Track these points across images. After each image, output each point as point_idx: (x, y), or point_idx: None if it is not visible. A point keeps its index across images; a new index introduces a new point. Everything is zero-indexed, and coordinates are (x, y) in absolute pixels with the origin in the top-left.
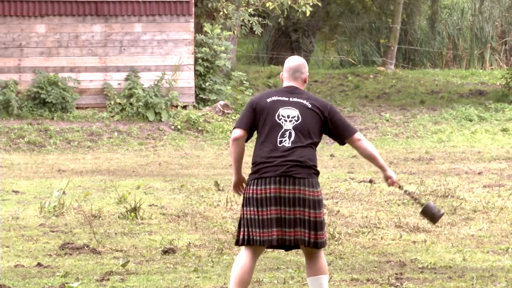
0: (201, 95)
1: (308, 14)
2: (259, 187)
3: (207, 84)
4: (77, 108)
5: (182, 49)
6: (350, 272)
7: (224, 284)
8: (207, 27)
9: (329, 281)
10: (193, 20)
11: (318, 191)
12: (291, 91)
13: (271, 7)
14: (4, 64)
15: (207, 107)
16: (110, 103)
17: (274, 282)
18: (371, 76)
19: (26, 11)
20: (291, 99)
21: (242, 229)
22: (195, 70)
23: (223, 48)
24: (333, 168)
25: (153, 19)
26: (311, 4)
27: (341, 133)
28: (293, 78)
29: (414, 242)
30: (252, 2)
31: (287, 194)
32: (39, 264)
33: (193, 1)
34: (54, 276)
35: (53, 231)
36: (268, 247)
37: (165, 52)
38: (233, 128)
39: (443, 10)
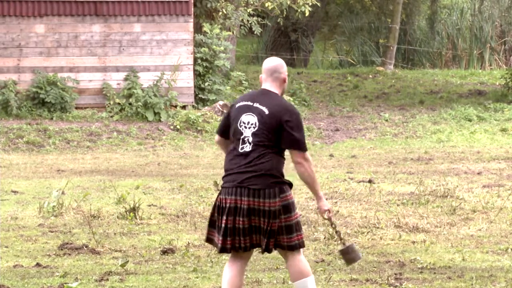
0: (200, 95)
1: (307, 14)
2: (221, 196)
3: (206, 84)
4: (76, 108)
5: (181, 49)
6: (350, 272)
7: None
8: (206, 27)
9: (328, 281)
10: (192, 20)
11: (276, 201)
12: (259, 95)
13: (270, 7)
14: (3, 64)
15: (206, 107)
16: (109, 103)
17: (273, 282)
18: (370, 76)
19: (26, 11)
20: (254, 104)
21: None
22: (194, 70)
23: (222, 48)
24: (332, 168)
25: (152, 19)
26: (310, 4)
27: (286, 144)
28: (272, 79)
29: (413, 242)
30: (251, 2)
31: (243, 205)
32: (38, 264)
33: (192, 1)
34: (53, 276)
35: (52, 231)
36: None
37: (164, 52)
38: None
39: (443, 10)
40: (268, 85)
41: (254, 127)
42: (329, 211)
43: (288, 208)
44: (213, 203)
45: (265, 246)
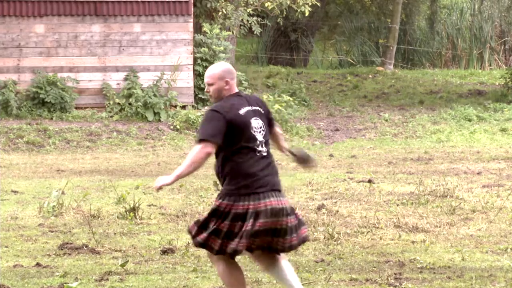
0: (200, 95)
1: (307, 14)
2: (251, 202)
3: None
4: (76, 108)
5: (181, 49)
6: (349, 272)
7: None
8: (206, 27)
9: (328, 281)
10: (192, 20)
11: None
12: (251, 98)
13: (270, 7)
14: (3, 64)
15: (206, 107)
16: (109, 103)
17: (273, 282)
18: (370, 76)
19: (25, 11)
20: (255, 108)
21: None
22: (194, 70)
23: (222, 48)
24: (332, 168)
25: (152, 19)
26: (310, 4)
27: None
28: (236, 83)
29: (413, 242)
30: (251, 2)
31: (283, 205)
32: (38, 264)
33: (192, 1)
34: (53, 276)
35: (52, 231)
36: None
37: (164, 52)
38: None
39: (442, 10)
40: (236, 88)
41: (263, 131)
42: (160, 187)
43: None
44: (223, 212)
45: (288, 244)
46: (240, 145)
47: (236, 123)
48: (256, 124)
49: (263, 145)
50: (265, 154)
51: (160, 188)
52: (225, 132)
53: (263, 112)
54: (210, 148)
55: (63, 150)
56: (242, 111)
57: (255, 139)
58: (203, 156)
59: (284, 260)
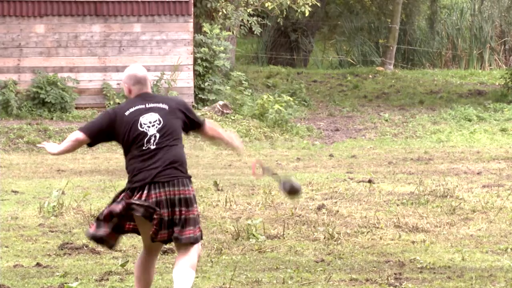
0: (200, 95)
1: (307, 14)
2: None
3: (206, 84)
4: (76, 108)
5: (181, 49)
6: (349, 272)
7: (223, 284)
8: (206, 27)
9: (328, 281)
10: (192, 20)
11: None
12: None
13: (270, 7)
14: (4, 64)
15: (206, 107)
16: (109, 103)
17: (273, 282)
18: (370, 76)
19: (26, 11)
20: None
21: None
22: (194, 70)
23: (222, 48)
24: (332, 168)
25: (152, 19)
26: (310, 4)
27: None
28: (146, 88)
29: (413, 242)
30: (251, 2)
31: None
32: (38, 264)
33: (192, 1)
34: (53, 276)
35: (52, 231)
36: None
37: (164, 52)
38: (80, 129)
39: (442, 10)
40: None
41: (158, 124)
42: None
43: None
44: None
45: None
46: (129, 143)
47: (120, 122)
48: (146, 120)
49: (155, 138)
50: (153, 147)
51: (42, 147)
52: (105, 129)
53: (167, 108)
54: (81, 137)
55: None
56: (129, 111)
57: (144, 134)
58: (72, 139)
59: (186, 267)
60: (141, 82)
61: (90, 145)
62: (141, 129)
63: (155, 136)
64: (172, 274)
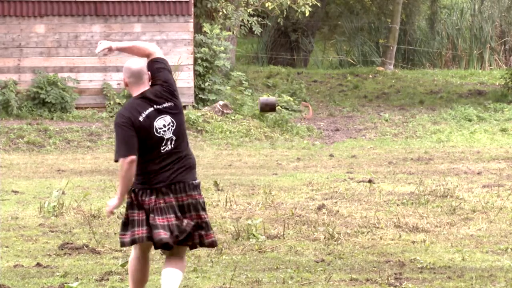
0: (200, 95)
1: (307, 14)
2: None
3: (206, 84)
4: (76, 108)
5: (181, 49)
6: (349, 272)
7: (223, 284)
8: (206, 27)
9: (328, 281)
10: (192, 20)
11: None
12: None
13: (270, 7)
14: (4, 64)
15: (206, 107)
16: (110, 103)
17: (273, 282)
18: (370, 76)
19: (26, 11)
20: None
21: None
22: (195, 70)
23: (222, 48)
24: (332, 168)
25: (152, 19)
26: (310, 4)
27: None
28: (142, 82)
29: (413, 242)
30: (252, 2)
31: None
32: (38, 264)
33: (192, 1)
34: (53, 276)
35: (53, 231)
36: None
37: (164, 52)
38: (124, 156)
39: (442, 10)
40: (141, 88)
41: (172, 127)
42: (112, 211)
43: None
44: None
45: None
46: (146, 148)
47: (138, 129)
48: (160, 124)
49: (171, 142)
50: (169, 149)
51: (111, 212)
52: (135, 135)
53: (173, 105)
54: (129, 159)
55: (64, 150)
56: (142, 117)
57: (162, 139)
58: (127, 167)
59: (175, 268)
60: (135, 75)
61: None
62: (158, 135)
63: (171, 139)
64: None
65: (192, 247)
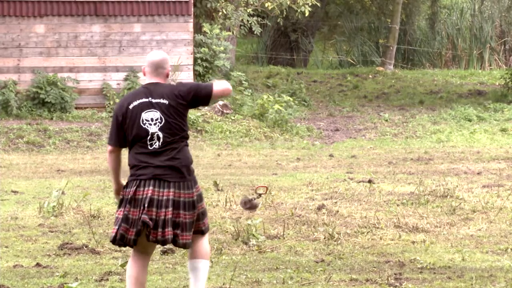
0: None
1: (307, 14)
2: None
3: None
4: (76, 108)
5: (181, 49)
6: (349, 272)
7: (223, 284)
8: (206, 27)
9: (328, 281)
10: (192, 20)
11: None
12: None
13: (270, 7)
14: (3, 64)
15: (206, 107)
16: (109, 103)
17: (273, 282)
18: (370, 76)
19: (26, 11)
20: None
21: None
22: (194, 70)
23: (222, 48)
24: (332, 168)
25: (152, 19)
26: (310, 4)
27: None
28: (156, 74)
29: (413, 242)
30: (251, 2)
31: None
32: (38, 264)
33: (192, 1)
34: (53, 276)
35: (52, 231)
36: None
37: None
38: (108, 144)
39: (442, 10)
40: (154, 79)
41: (159, 123)
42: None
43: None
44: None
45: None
46: (132, 138)
47: (125, 115)
48: (148, 116)
49: (158, 139)
50: (157, 146)
51: (117, 197)
52: (120, 129)
53: (167, 103)
54: (110, 148)
55: (63, 150)
56: (132, 104)
57: (147, 132)
58: (108, 155)
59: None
60: (151, 65)
61: (125, 147)
62: (143, 126)
63: (158, 136)
64: (187, 266)
65: (163, 243)
